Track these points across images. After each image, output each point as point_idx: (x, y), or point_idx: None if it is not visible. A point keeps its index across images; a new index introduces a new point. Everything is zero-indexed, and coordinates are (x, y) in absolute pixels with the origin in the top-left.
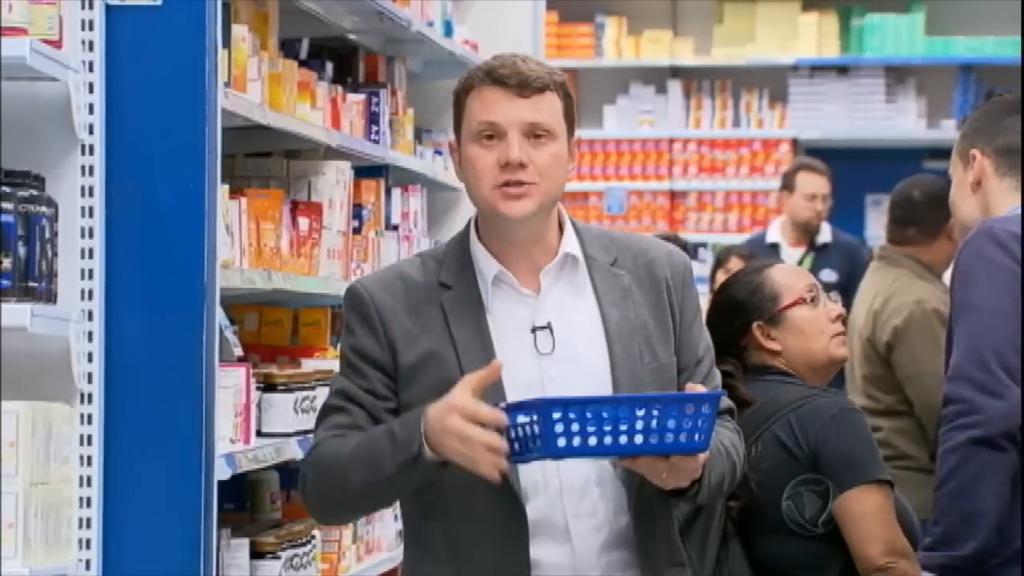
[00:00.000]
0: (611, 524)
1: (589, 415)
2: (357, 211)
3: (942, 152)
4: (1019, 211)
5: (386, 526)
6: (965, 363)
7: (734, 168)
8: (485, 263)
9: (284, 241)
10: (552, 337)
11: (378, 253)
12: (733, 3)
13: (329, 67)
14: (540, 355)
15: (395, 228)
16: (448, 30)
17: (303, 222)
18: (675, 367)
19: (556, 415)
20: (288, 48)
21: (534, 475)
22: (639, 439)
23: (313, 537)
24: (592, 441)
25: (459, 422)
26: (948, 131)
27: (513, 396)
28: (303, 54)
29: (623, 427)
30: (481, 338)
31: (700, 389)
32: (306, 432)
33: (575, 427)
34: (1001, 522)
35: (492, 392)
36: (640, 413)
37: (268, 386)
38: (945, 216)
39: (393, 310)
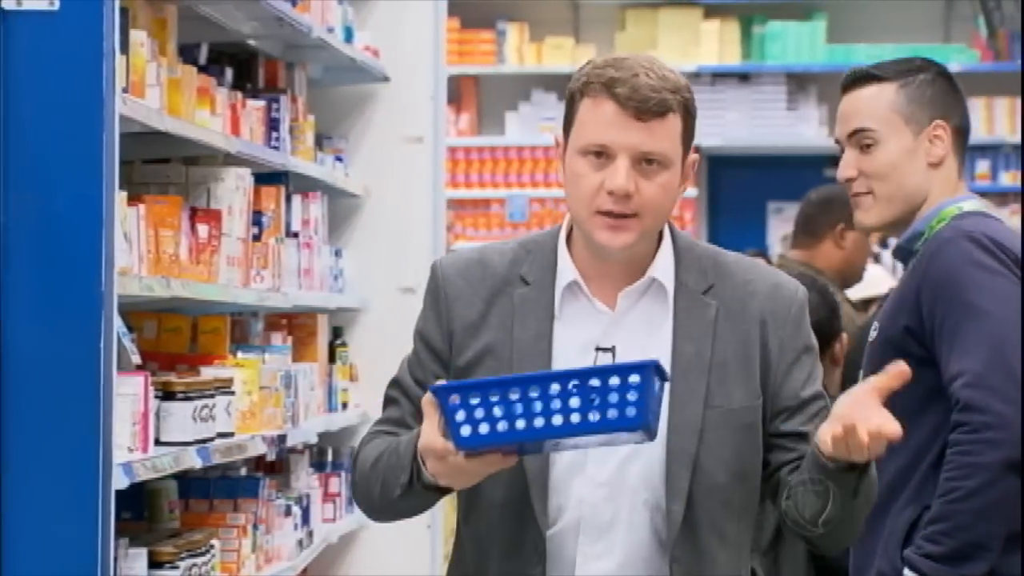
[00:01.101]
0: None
1: (493, 398)
2: (257, 218)
3: None
4: (974, 201)
5: (285, 535)
6: (991, 372)
7: None
8: (565, 267)
9: (183, 248)
10: (614, 361)
11: (278, 260)
12: (635, 10)
13: (228, 73)
14: None
15: (295, 235)
16: (348, 36)
17: (202, 229)
18: (759, 412)
19: (454, 399)
20: (187, 54)
21: (560, 499)
22: (558, 420)
23: (212, 546)
24: (502, 427)
25: (435, 464)
26: None
27: None
28: (202, 60)
29: (537, 407)
30: (540, 344)
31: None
32: (205, 441)
33: (479, 413)
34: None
35: None
36: (554, 390)
37: (166, 394)
38: (832, 220)
39: (461, 297)
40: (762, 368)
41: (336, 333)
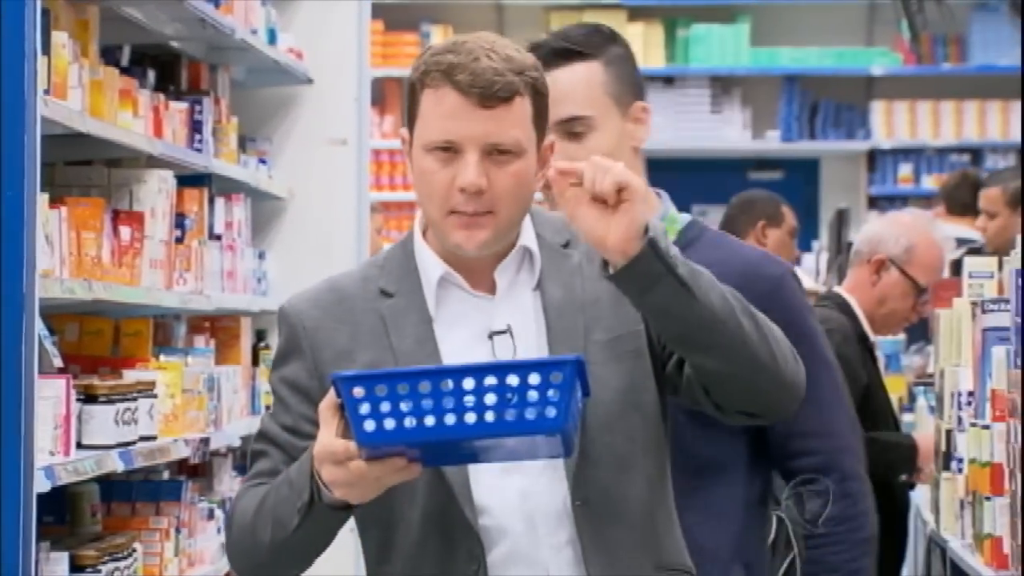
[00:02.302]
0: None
1: (401, 390)
2: (180, 220)
3: (767, 163)
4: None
5: (208, 538)
6: (850, 433)
7: None
8: (430, 264)
9: (105, 250)
10: (513, 342)
11: (201, 263)
12: (559, 12)
13: (151, 75)
14: None
15: (218, 238)
16: (272, 38)
17: (125, 231)
18: (642, 337)
19: (358, 392)
20: (109, 55)
21: (501, 506)
22: (470, 418)
23: (134, 550)
24: (409, 423)
25: (333, 470)
26: (773, 142)
27: None
28: (125, 61)
29: (449, 403)
30: (425, 348)
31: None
32: (127, 444)
33: (385, 407)
34: None
35: None
36: (469, 385)
37: (89, 397)
38: (754, 218)
39: (322, 327)
40: None
41: (259, 336)
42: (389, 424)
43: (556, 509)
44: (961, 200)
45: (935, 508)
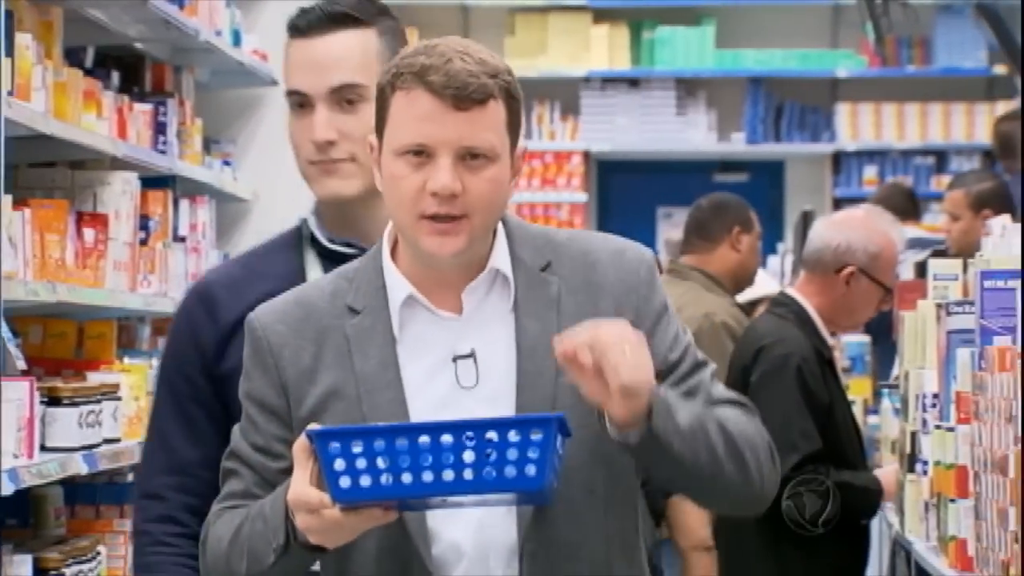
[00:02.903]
0: None
1: (378, 446)
2: (144, 222)
3: (732, 165)
4: None
5: None
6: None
7: (526, 180)
8: (396, 284)
9: (69, 252)
10: (476, 368)
11: (165, 265)
12: (524, 14)
13: (115, 76)
14: (463, 390)
15: (183, 240)
16: (236, 40)
17: (88, 233)
18: None
19: (334, 447)
20: (73, 57)
21: (454, 539)
22: (448, 475)
23: (98, 552)
24: (385, 480)
25: (306, 518)
26: (738, 144)
27: None
28: (88, 63)
29: (426, 460)
30: (386, 373)
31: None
32: (91, 447)
33: (361, 463)
34: None
35: None
36: (447, 442)
37: (52, 400)
38: (728, 224)
39: (287, 344)
40: None
41: None
42: (365, 481)
43: (508, 545)
44: (893, 208)
45: (900, 510)
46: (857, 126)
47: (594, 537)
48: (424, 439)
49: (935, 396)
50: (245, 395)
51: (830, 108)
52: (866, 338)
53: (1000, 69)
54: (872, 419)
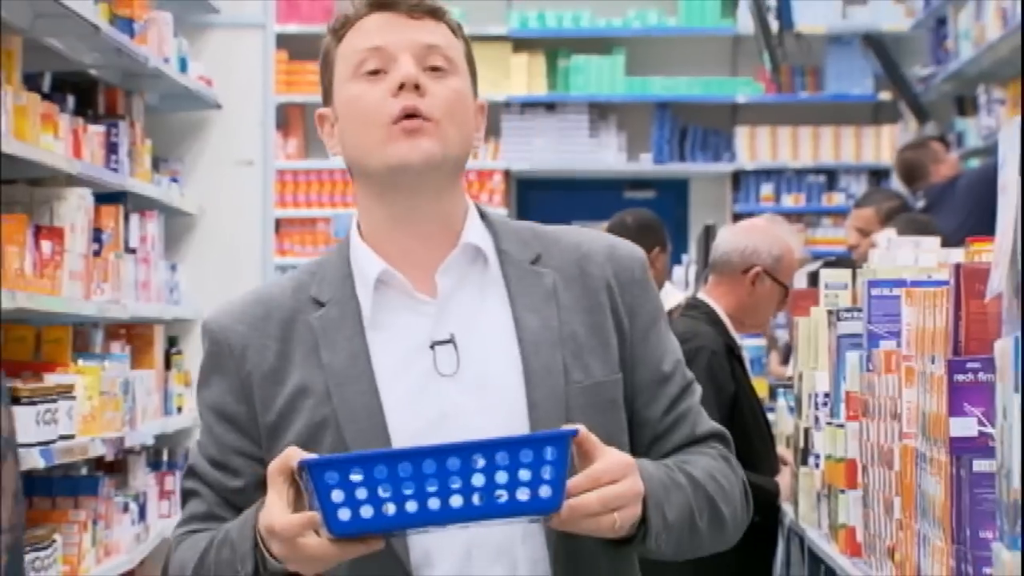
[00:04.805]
0: None
1: (379, 474)
2: (97, 235)
3: (641, 183)
4: None
5: (124, 530)
6: None
7: None
8: (367, 263)
9: (28, 263)
10: (456, 353)
11: (118, 274)
12: None
13: (71, 100)
14: (442, 377)
15: (133, 251)
16: (183, 66)
17: (46, 245)
18: (620, 386)
19: (331, 477)
20: (31, 82)
21: (432, 539)
22: (456, 501)
23: (54, 541)
24: (389, 509)
25: (285, 547)
26: (646, 163)
27: (405, 437)
28: (46, 87)
29: (432, 486)
30: (356, 365)
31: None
32: (48, 442)
33: (361, 493)
34: None
35: (377, 440)
36: (454, 466)
37: (12, 399)
38: (650, 243)
39: (250, 344)
40: (618, 337)
41: (172, 342)
42: (367, 512)
43: (493, 544)
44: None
45: (794, 500)
46: (755, 147)
47: (609, 544)
48: (429, 464)
49: (826, 395)
50: (202, 404)
51: (730, 131)
52: (763, 342)
53: (885, 95)
54: (769, 416)
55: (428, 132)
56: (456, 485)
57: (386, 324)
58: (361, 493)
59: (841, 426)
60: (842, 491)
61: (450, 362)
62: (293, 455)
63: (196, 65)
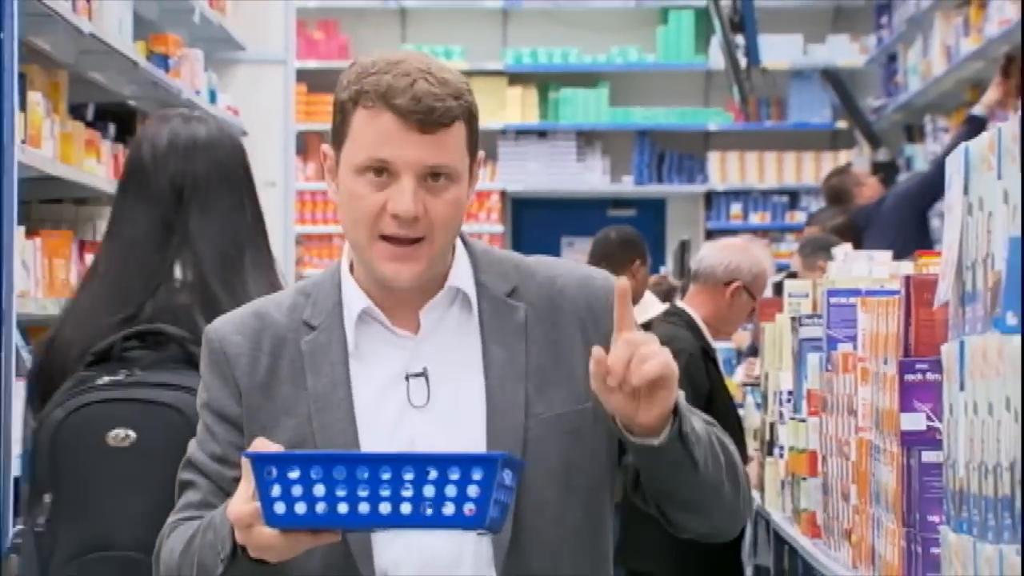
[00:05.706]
0: None
1: (315, 475)
2: None
3: (622, 202)
4: None
5: None
6: None
7: None
8: (353, 297)
9: (73, 274)
10: (428, 386)
11: None
12: None
13: (112, 128)
14: (414, 409)
15: None
16: (213, 97)
17: (89, 258)
18: (587, 415)
19: (270, 472)
20: (77, 111)
21: (387, 553)
22: (385, 508)
23: None
24: (321, 508)
25: (243, 534)
26: (627, 185)
27: None
28: (90, 116)
29: (363, 492)
30: (337, 392)
31: None
32: None
33: (296, 490)
34: None
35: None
36: (385, 476)
37: None
38: (632, 256)
39: (243, 354)
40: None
41: None
42: (300, 508)
43: (450, 559)
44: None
45: (761, 487)
46: (725, 170)
47: (566, 569)
48: (363, 472)
49: (790, 393)
50: (203, 406)
51: (703, 156)
52: (734, 344)
53: (842, 124)
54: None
55: (417, 256)
56: (386, 493)
57: (368, 355)
58: (297, 490)
59: (803, 421)
60: (804, 479)
61: (421, 394)
62: (260, 446)
63: (224, 96)
